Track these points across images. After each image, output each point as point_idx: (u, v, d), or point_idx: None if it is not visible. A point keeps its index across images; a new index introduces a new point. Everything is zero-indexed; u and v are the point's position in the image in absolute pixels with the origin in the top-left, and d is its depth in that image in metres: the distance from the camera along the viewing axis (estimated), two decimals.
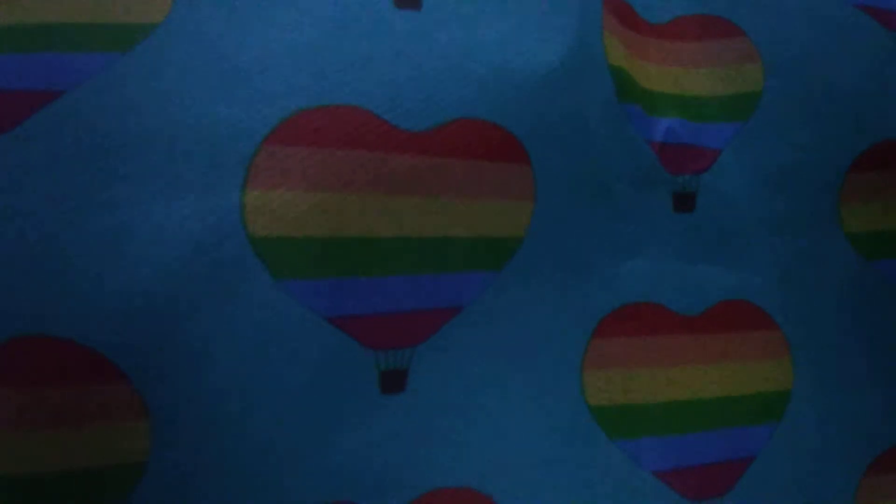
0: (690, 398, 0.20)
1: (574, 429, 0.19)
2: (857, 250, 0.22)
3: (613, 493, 0.19)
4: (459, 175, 0.18)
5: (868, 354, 0.22)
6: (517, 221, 0.19)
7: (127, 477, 0.16)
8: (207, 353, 0.16)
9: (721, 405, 0.21)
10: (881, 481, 0.22)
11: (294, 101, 0.17)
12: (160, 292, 0.16)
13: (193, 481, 0.16)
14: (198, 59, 0.17)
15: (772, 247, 0.22)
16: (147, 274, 0.16)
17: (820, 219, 0.22)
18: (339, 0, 0.18)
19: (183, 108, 0.16)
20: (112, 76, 0.16)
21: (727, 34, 0.22)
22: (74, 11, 0.17)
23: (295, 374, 0.17)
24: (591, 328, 0.20)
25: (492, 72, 0.18)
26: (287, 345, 0.17)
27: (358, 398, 0.18)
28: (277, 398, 0.17)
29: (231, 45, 0.17)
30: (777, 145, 0.22)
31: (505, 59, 0.19)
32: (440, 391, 0.19)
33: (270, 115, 0.17)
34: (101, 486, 0.16)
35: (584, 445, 0.19)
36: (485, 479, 0.19)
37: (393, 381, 0.18)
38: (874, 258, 0.22)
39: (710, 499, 0.20)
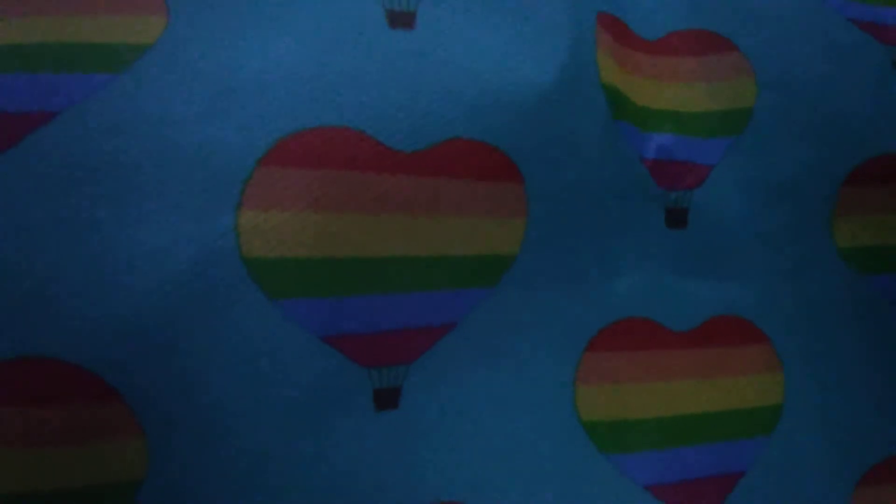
0: (682, 413, 0.20)
1: (566, 443, 0.20)
2: (849, 265, 0.22)
3: None
4: (453, 194, 0.18)
5: (859, 368, 0.22)
6: (510, 238, 0.19)
7: (124, 495, 0.16)
8: (202, 372, 0.16)
9: (713, 420, 0.21)
10: (873, 493, 0.22)
11: (288, 122, 0.17)
12: (155, 313, 0.16)
13: (189, 498, 0.17)
14: (191, 80, 0.17)
15: (764, 262, 0.22)
16: (141, 294, 0.16)
17: (813, 234, 0.22)
18: (332, 21, 0.18)
19: (176, 129, 0.16)
20: (106, 97, 0.16)
21: (720, 49, 0.22)
22: (68, 32, 0.17)
23: (289, 392, 0.17)
24: (584, 343, 0.20)
25: (485, 91, 0.19)
26: (281, 364, 0.17)
27: (352, 416, 0.18)
28: (271, 416, 0.17)
29: (224, 66, 0.17)
30: (770, 160, 0.22)
31: (498, 78, 0.19)
32: (434, 407, 0.19)
33: (264, 136, 0.17)
34: None
35: (576, 460, 0.20)
36: (477, 495, 0.19)
37: (387, 399, 0.18)
38: (867, 273, 0.22)
39: None
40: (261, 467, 0.17)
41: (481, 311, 0.19)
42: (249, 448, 0.17)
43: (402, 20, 0.19)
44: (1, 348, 0.15)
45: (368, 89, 0.18)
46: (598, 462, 0.20)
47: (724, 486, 0.21)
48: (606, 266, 0.21)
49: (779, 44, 0.22)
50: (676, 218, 0.21)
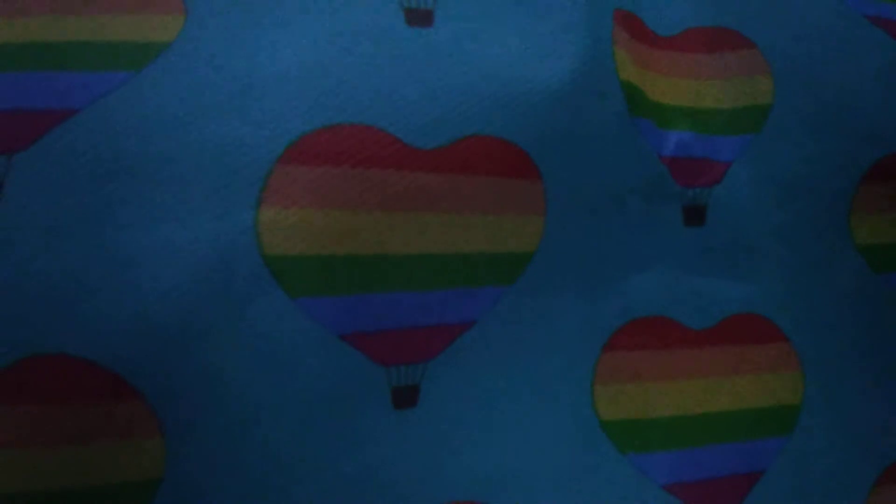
0: (701, 412, 0.20)
1: (585, 442, 0.20)
2: (867, 262, 0.22)
3: None
4: (471, 191, 0.18)
5: (877, 367, 0.22)
6: (529, 236, 0.19)
7: (142, 493, 0.16)
8: (221, 370, 0.16)
9: (732, 419, 0.21)
10: (890, 492, 0.22)
11: (306, 120, 0.17)
12: (175, 311, 0.16)
13: (207, 497, 0.17)
14: (210, 78, 0.17)
15: (782, 259, 0.21)
16: (162, 293, 0.16)
17: (830, 231, 0.22)
18: (350, 19, 0.18)
19: (196, 127, 0.17)
20: (125, 95, 0.16)
21: (737, 46, 0.22)
22: (87, 30, 0.17)
23: (307, 390, 0.17)
24: (603, 342, 0.20)
25: (503, 88, 0.18)
26: (300, 362, 0.17)
27: (370, 414, 0.18)
28: (290, 414, 0.17)
29: (243, 64, 0.17)
30: (788, 157, 0.21)
31: (516, 75, 0.19)
32: (452, 405, 0.19)
33: (283, 134, 0.17)
34: (117, 503, 0.16)
35: (595, 459, 0.20)
36: (496, 493, 0.19)
37: (405, 397, 0.18)
38: (885, 271, 0.22)
39: None
40: (279, 465, 0.17)
41: (500, 309, 0.19)
42: (268, 446, 0.17)
43: (419, 18, 0.19)
44: (21, 346, 0.15)
45: (387, 87, 0.18)
46: (617, 461, 0.20)
47: (743, 486, 0.20)
48: (624, 264, 0.20)
49: (796, 41, 0.22)
50: (694, 215, 0.21)
